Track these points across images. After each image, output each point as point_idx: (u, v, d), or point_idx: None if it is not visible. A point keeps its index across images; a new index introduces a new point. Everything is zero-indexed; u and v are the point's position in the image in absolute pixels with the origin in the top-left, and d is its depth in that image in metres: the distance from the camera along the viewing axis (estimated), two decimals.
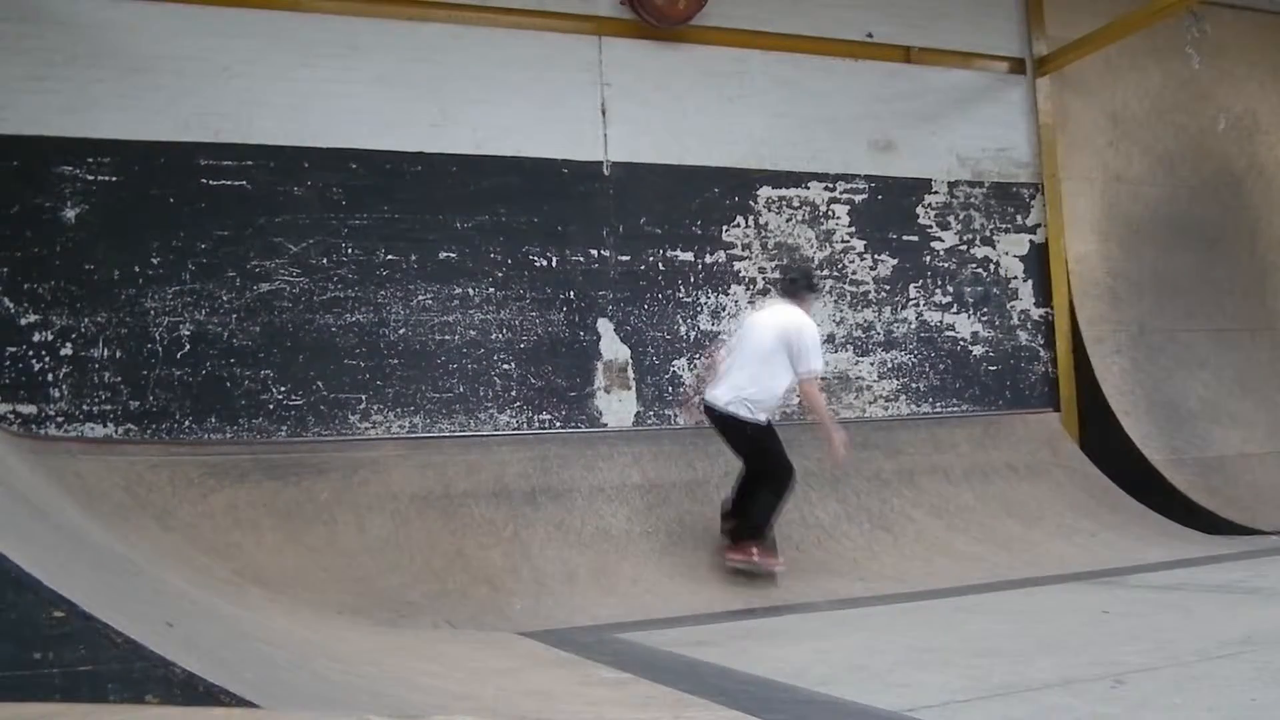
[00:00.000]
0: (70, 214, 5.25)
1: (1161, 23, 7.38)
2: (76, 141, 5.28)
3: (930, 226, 7.17)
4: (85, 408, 5.14)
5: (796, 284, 5.48)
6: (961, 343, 7.16)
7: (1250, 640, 3.20)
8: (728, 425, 5.23)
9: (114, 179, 5.34)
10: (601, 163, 6.35)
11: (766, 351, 5.14)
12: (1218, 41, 8.29)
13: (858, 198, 6.95)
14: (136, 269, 5.35)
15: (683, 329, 6.42)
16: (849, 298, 6.88)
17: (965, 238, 7.27)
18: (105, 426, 5.16)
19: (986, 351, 7.22)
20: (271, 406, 5.48)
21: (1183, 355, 7.59)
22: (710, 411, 5.29)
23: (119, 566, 2.90)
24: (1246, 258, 8.17)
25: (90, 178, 5.30)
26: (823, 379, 6.52)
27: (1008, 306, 7.34)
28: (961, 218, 7.27)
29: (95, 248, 5.27)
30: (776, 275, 6.58)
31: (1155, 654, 3.07)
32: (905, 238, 7.07)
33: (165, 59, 5.49)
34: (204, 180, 5.51)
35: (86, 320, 5.21)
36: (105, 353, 5.23)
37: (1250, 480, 7.10)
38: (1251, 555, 5.54)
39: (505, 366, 5.99)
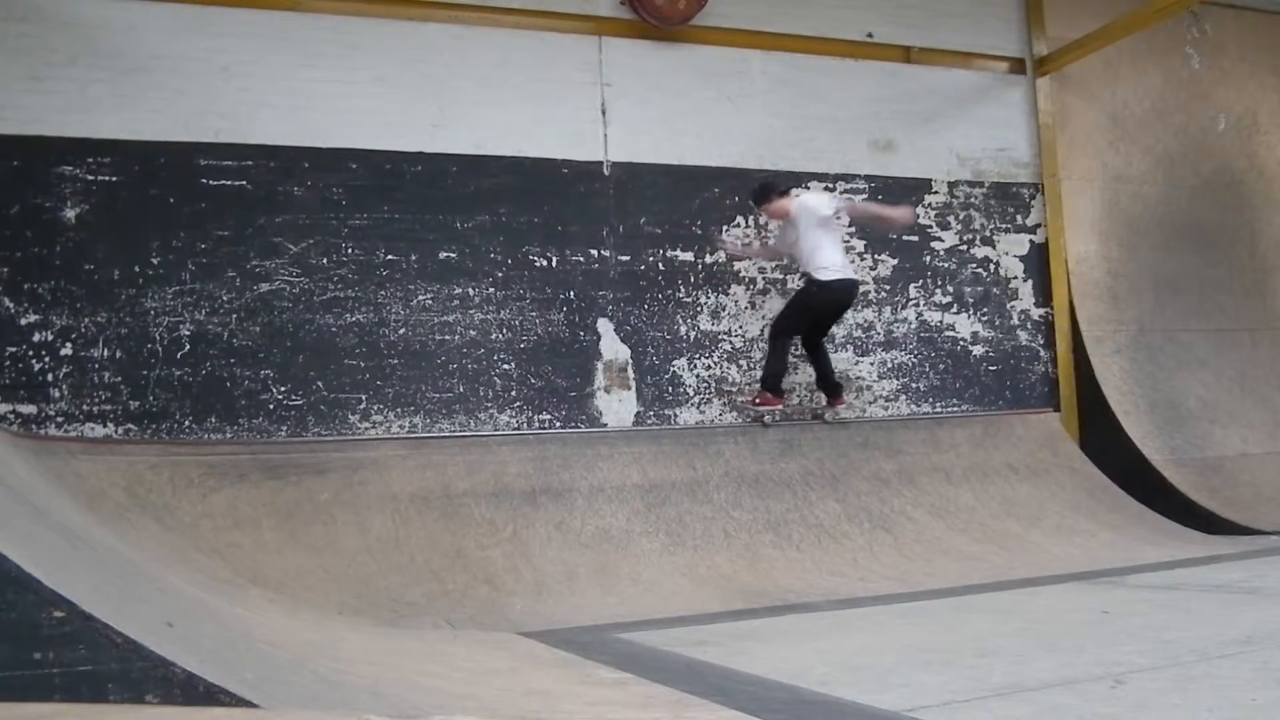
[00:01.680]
0: (70, 214, 5.25)
1: (1161, 23, 7.38)
2: (76, 141, 5.29)
3: (930, 226, 7.17)
4: (85, 408, 5.15)
5: (777, 186, 6.33)
6: (961, 343, 7.16)
7: (1250, 640, 3.20)
8: (852, 294, 6.31)
9: (114, 179, 5.35)
10: (601, 163, 6.35)
11: (826, 228, 6.14)
12: (1217, 41, 8.29)
13: (858, 197, 6.94)
14: (136, 269, 5.35)
15: (683, 329, 6.42)
16: None
17: (965, 238, 7.27)
18: (105, 426, 5.16)
19: (986, 351, 7.23)
20: (271, 406, 5.49)
21: (1183, 355, 7.58)
22: (850, 284, 6.22)
23: (119, 566, 2.90)
24: (1246, 258, 8.17)
25: (90, 178, 5.30)
26: None
27: (1008, 306, 7.34)
28: (961, 218, 7.27)
29: (95, 248, 5.28)
30: (777, 275, 6.61)
31: (1155, 654, 3.06)
32: (905, 238, 7.07)
33: (165, 59, 5.49)
34: (204, 180, 5.51)
35: (86, 320, 5.22)
36: (105, 353, 5.23)
37: (1250, 480, 7.09)
38: (1251, 555, 5.53)
39: (505, 366, 5.99)
